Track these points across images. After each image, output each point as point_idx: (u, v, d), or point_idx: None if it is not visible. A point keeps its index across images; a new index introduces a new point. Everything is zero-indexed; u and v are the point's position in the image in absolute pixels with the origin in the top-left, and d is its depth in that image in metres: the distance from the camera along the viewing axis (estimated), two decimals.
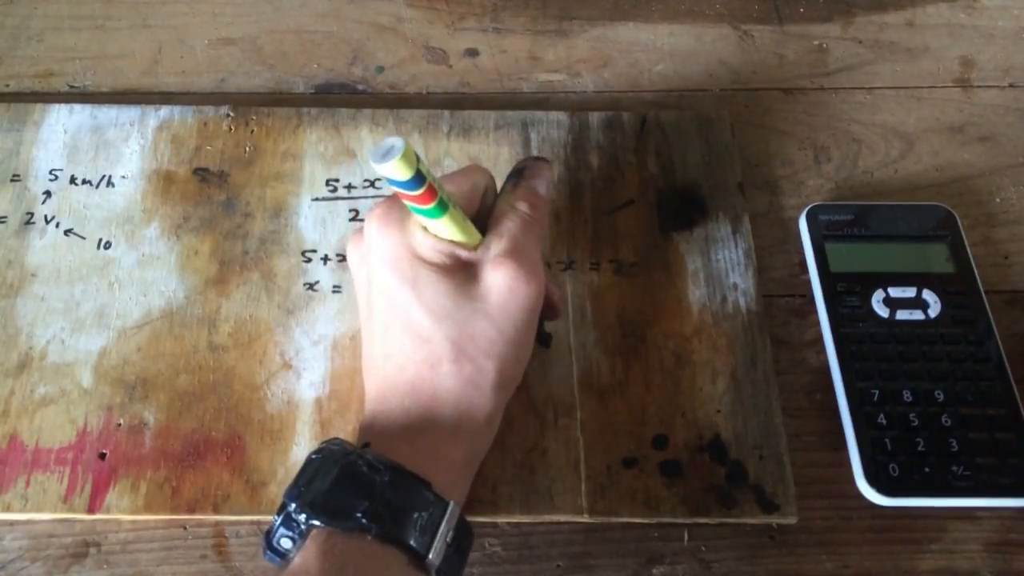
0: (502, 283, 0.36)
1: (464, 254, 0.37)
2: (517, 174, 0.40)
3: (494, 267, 0.36)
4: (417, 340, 0.36)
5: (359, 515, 0.31)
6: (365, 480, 0.32)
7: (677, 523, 0.41)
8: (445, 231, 0.36)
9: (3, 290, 0.46)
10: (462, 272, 0.36)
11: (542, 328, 0.43)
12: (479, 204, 0.39)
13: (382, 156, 0.32)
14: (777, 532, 0.41)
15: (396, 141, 0.32)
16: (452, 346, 0.35)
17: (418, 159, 0.33)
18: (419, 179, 0.33)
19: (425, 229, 0.37)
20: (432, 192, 0.34)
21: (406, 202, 0.35)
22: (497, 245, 0.37)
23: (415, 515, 0.32)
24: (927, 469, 0.41)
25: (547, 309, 0.41)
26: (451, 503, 0.33)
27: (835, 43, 0.58)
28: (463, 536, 0.34)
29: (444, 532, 0.32)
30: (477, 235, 0.37)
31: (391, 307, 0.37)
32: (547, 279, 0.39)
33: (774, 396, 0.44)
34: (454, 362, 0.35)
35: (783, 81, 0.56)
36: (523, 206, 0.38)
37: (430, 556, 0.32)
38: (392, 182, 0.33)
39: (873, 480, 0.41)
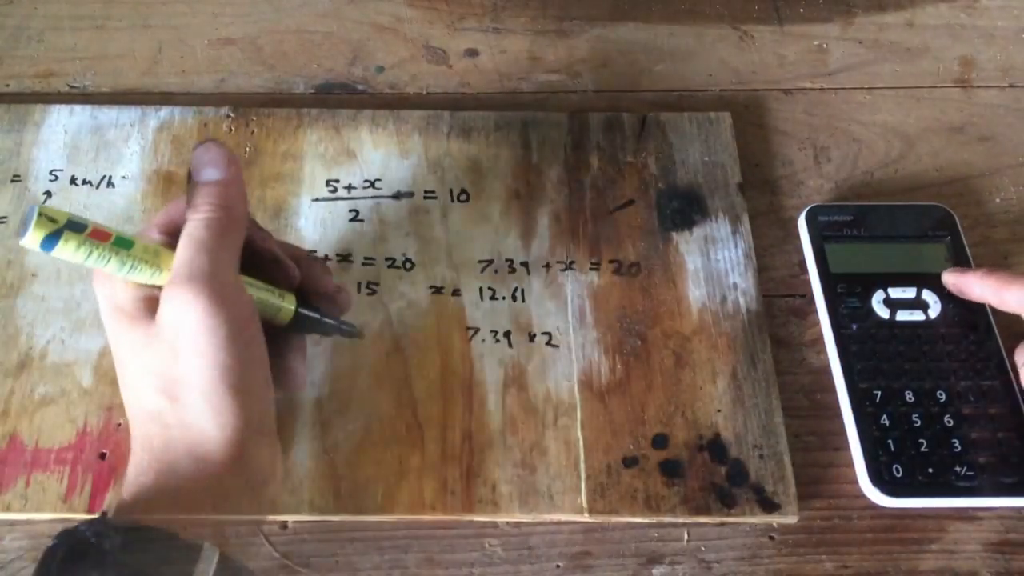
0: (170, 316, 0.33)
1: (156, 295, 0.34)
2: (188, 177, 0.36)
3: (163, 302, 0.33)
4: (136, 396, 0.35)
5: None
6: (94, 551, 0.30)
7: (677, 523, 0.41)
8: (138, 278, 0.34)
9: (3, 290, 0.46)
10: (150, 317, 0.34)
11: (337, 321, 0.41)
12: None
13: (23, 228, 0.31)
14: (777, 532, 0.41)
15: (30, 210, 0.31)
16: (162, 396, 0.33)
17: (66, 219, 0.32)
18: (53, 239, 0.31)
19: (126, 280, 0.34)
20: (98, 239, 0.32)
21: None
22: (171, 274, 0.34)
23: (159, 568, 0.31)
24: (930, 470, 0.41)
25: (325, 304, 0.40)
26: (204, 545, 0.32)
27: (835, 43, 0.58)
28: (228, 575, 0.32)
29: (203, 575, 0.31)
30: None
31: (118, 365, 0.36)
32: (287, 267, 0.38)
33: (774, 396, 0.44)
34: (171, 410, 0.33)
35: (783, 81, 0.56)
36: (192, 213, 0.34)
37: None
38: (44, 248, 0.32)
39: (877, 481, 0.41)
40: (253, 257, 0.37)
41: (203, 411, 0.33)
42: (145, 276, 0.34)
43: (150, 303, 0.34)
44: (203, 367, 0.33)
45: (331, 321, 0.40)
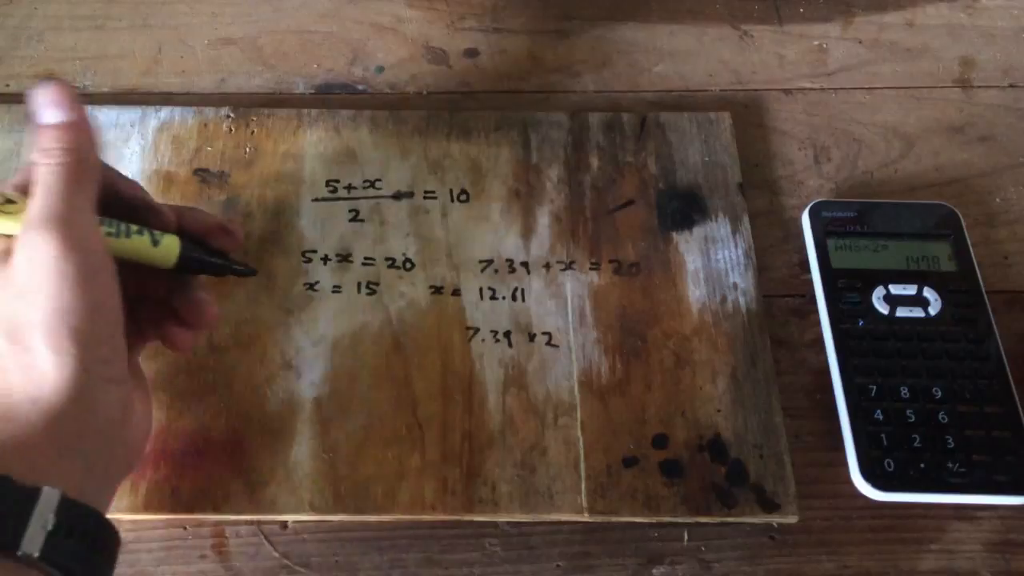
0: (18, 257, 0.33)
1: (6, 244, 0.35)
2: (31, 119, 0.36)
3: (18, 247, 0.34)
4: None
5: None
6: None
7: (677, 523, 0.41)
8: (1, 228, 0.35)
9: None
10: (2, 261, 0.34)
11: (223, 259, 0.41)
12: None
13: None
14: (777, 532, 0.42)
15: None
16: (4, 339, 0.33)
17: None
18: None
19: None
20: None
21: None
22: (25, 220, 0.34)
23: None
24: (923, 465, 0.41)
25: (221, 239, 0.41)
26: (44, 488, 0.31)
27: (835, 43, 0.58)
28: (76, 521, 0.32)
29: (39, 520, 0.30)
30: None
31: None
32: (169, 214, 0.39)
33: (774, 395, 0.44)
34: (11, 353, 0.33)
35: (783, 81, 0.56)
36: (42, 158, 0.35)
37: (23, 548, 0.30)
38: None
39: (868, 475, 0.41)
40: (124, 205, 0.38)
41: (44, 352, 0.33)
42: (14, 225, 0.34)
43: (2, 253, 0.34)
44: (48, 308, 0.33)
45: (220, 261, 0.41)
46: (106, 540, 0.33)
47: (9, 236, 0.35)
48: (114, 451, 0.36)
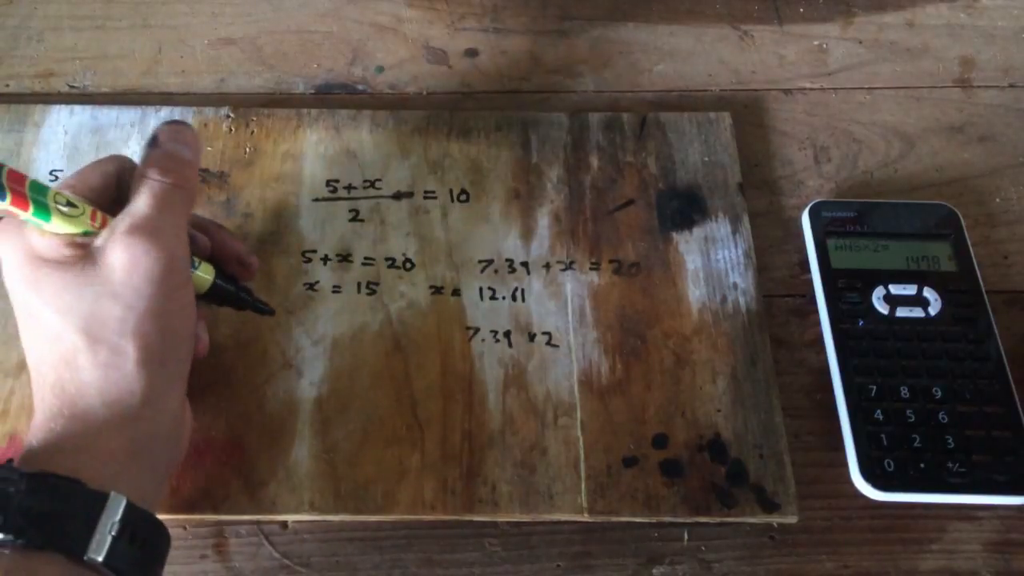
0: (121, 258, 0.34)
1: (87, 242, 0.35)
2: (151, 143, 0.38)
3: (113, 245, 0.35)
4: (49, 341, 0.35)
5: None
6: None
7: (677, 523, 0.41)
8: (61, 229, 0.35)
9: (3, 290, 0.46)
10: (84, 260, 0.35)
11: (247, 295, 0.43)
12: (115, 191, 0.38)
13: None
14: (777, 532, 0.42)
15: None
16: (82, 336, 0.34)
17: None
18: None
19: (43, 230, 0.35)
20: (22, 201, 0.33)
21: (10, 212, 0.34)
22: (121, 223, 0.35)
23: (65, 515, 0.31)
24: (923, 465, 0.41)
25: (236, 269, 0.42)
26: (111, 494, 0.32)
27: (835, 43, 0.58)
28: (137, 526, 0.33)
29: (106, 525, 0.32)
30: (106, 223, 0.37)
31: (23, 316, 0.36)
32: (220, 239, 0.41)
33: (774, 395, 0.44)
34: (89, 351, 0.34)
35: (783, 81, 0.56)
36: (154, 173, 0.36)
37: (89, 552, 0.31)
38: None
39: (868, 475, 0.41)
40: None
41: (131, 352, 0.34)
42: (67, 230, 0.35)
43: (77, 248, 0.35)
44: (144, 312, 0.34)
45: (246, 296, 0.42)
46: (159, 543, 0.35)
47: (72, 235, 0.35)
48: (173, 451, 0.38)
